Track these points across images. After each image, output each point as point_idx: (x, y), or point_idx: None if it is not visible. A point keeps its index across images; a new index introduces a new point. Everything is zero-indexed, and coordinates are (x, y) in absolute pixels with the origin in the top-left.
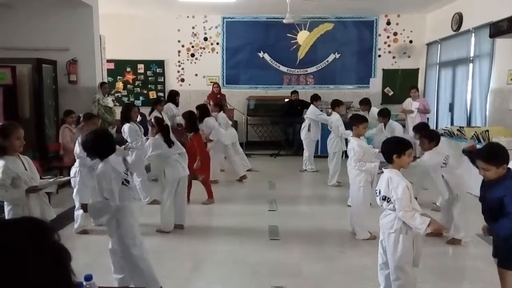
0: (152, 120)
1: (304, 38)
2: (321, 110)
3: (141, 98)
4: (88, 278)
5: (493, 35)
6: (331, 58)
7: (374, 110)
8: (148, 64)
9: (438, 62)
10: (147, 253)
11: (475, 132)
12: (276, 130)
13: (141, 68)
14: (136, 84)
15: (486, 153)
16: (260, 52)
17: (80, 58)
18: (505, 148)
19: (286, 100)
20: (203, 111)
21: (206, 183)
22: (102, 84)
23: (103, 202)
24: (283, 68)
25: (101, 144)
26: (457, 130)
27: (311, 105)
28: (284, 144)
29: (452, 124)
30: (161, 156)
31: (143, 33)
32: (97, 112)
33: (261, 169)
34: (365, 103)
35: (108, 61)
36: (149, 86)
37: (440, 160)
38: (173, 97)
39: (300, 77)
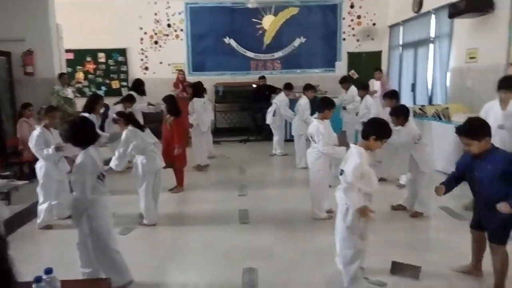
0: (114, 116)
1: (269, 23)
2: (288, 95)
3: (103, 88)
4: (48, 271)
5: (451, 16)
6: (297, 42)
7: (354, 89)
8: (109, 53)
9: (400, 43)
10: (117, 244)
11: (436, 110)
12: (245, 116)
13: (102, 57)
14: (97, 74)
15: (466, 128)
16: (226, 38)
17: (36, 49)
18: (485, 122)
19: (254, 85)
20: (197, 89)
21: (180, 170)
22: (61, 75)
23: (77, 198)
24: (250, 54)
25: (82, 131)
26: (419, 109)
27: (282, 92)
28: (254, 130)
29: (414, 103)
30: (137, 147)
31: (103, 21)
32: (57, 104)
33: (231, 155)
34: (345, 81)
35: (67, 51)
36: (111, 75)
37: (414, 137)
38: (138, 86)
39: (267, 63)
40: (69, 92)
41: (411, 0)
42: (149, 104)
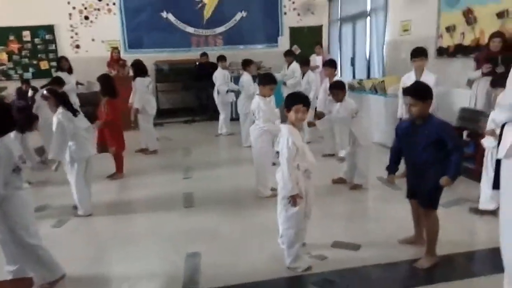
0: (44, 92)
1: None
2: (232, 72)
3: (31, 69)
4: None
5: None
6: (238, 16)
7: (295, 64)
8: (35, 30)
9: (339, 18)
10: (40, 240)
11: (373, 83)
12: (188, 96)
13: (26, 35)
14: (23, 54)
15: (413, 89)
16: (163, 12)
17: None
18: (429, 87)
19: (197, 63)
20: (138, 67)
21: (118, 155)
22: None
23: None
24: (190, 29)
25: (2, 118)
26: (357, 83)
27: (218, 68)
28: (198, 110)
29: (354, 77)
30: (67, 133)
31: None
32: None
33: (175, 137)
34: (289, 54)
35: None
36: (39, 55)
37: (352, 112)
38: (62, 64)
39: (208, 38)
40: None
41: None
42: (78, 83)
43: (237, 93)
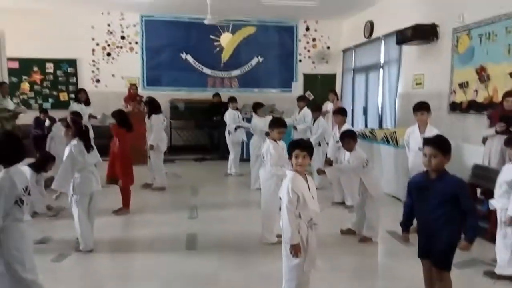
0: (69, 119)
1: (227, 40)
2: (245, 113)
3: (50, 100)
4: None
5: (399, 42)
6: (254, 61)
7: (307, 110)
8: (58, 63)
9: (353, 67)
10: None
11: (385, 133)
12: (201, 134)
13: (50, 67)
14: (44, 85)
15: (437, 140)
16: (182, 53)
17: None
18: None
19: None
20: (153, 105)
21: (126, 190)
22: (0, 84)
23: None
24: (207, 71)
25: (5, 148)
26: (369, 132)
27: (229, 108)
28: (210, 148)
29: (366, 126)
30: (75, 166)
31: (52, 30)
32: None
33: (185, 175)
34: (302, 100)
35: (11, 59)
36: (60, 87)
37: (363, 162)
38: (75, 95)
39: (224, 80)
40: (9, 103)
41: (362, 26)
42: (91, 116)
43: (249, 134)
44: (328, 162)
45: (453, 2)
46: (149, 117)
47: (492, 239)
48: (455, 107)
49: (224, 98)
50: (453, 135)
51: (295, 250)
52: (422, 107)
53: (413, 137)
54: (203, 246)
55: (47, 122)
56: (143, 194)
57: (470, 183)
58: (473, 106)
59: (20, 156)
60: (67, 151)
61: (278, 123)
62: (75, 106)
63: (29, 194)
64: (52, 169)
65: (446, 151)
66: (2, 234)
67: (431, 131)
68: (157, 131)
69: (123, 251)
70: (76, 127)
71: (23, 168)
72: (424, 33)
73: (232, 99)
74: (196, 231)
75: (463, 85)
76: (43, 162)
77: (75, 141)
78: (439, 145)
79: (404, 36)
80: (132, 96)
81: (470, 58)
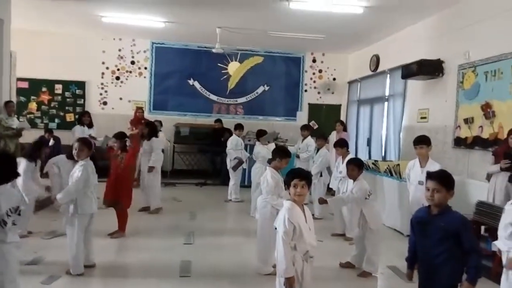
0: (89, 135)
1: (234, 69)
2: (249, 140)
3: (56, 120)
4: None
5: (404, 76)
6: (260, 90)
7: (310, 139)
8: (67, 84)
9: (358, 99)
10: None
11: (388, 165)
12: (203, 159)
13: (59, 88)
14: (52, 105)
15: (440, 175)
16: (190, 80)
17: None
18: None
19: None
20: (153, 128)
21: (124, 212)
22: (7, 103)
23: None
24: (213, 97)
25: None
26: (372, 163)
27: (233, 134)
28: (212, 173)
29: (369, 158)
30: (86, 185)
31: (63, 52)
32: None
33: (185, 199)
34: (306, 129)
35: (21, 79)
36: (67, 108)
37: (366, 193)
38: (79, 118)
39: (230, 107)
40: (14, 121)
41: (368, 59)
42: (91, 137)
43: (252, 161)
44: (330, 193)
45: (458, 39)
46: (149, 139)
47: (497, 279)
48: (459, 142)
49: (229, 125)
50: (457, 171)
51: (290, 283)
52: (421, 141)
53: (413, 170)
54: (197, 274)
55: (51, 142)
56: (139, 217)
57: (474, 220)
58: (478, 142)
59: (10, 176)
60: (79, 170)
61: (281, 153)
62: (77, 129)
63: (19, 214)
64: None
65: (450, 187)
66: None
67: (432, 165)
68: (158, 153)
69: (115, 276)
70: (90, 149)
71: (14, 190)
72: (429, 68)
73: (239, 126)
74: (191, 258)
75: (468, 121)
76: (36, 149)
77: (88, 161)
78: (442, 180)
79: (409, 71)
80: (138, 119)
81: (476, 94)
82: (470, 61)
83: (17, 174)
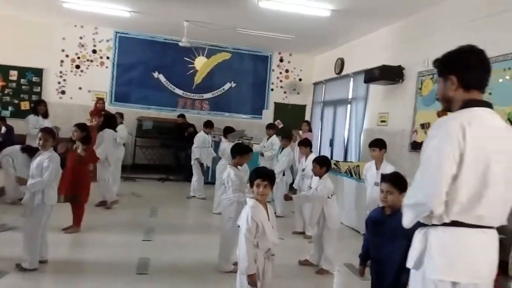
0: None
1: (201, 64)
2: (214, 137)
3: (10, 108)
4: None
5: (366, 81)
6: (227, 86)
7: (275, 138)
8: (23, 71)
9: (322, 100)
10: None
11: (348, 166)
12: (166, 153)
13: (14, 75)
14: (6, 92)
15: (393, 177)
16: (155, 72)
17: None
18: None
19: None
20: (110, 120)
21: (81, 207)
22: None
23: None
24: (179, 91)
25: None
26: (334, 164)
27: (202, 131)
28: (174, 169)
29: (331, 158)
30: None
31: (19, 38)
32: None
33: (145, 194)
34: (271, 128)
35: None
36: (22, 95)
37: (329, 191)
38: (34, 107)
39: (195, 102)
40: None
41: (333, 62)
42: (55, 127)
43: (217, 159)
44: (292, 192)
45: (419, 47)
46: (101, 130)
47: None
48: (416, 146)
49: (194, 120)
50: (413, 173)
51: (252, 280)
52: (373, 144)
53: (370, 172)
54: (155, 271)
55: (3, 129)
56: (96, 212)
57: None
58: None
59: None
60: (48, 160)
61: (242, 149)
62: (31, 118)
63: None
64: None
65: (402, 189)
66: None
67: (386, 167)
68: (106, 145)
69: (67, 272)
70: (53, 138)
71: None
72: (390, 74)
73: (209, 124)
74: (149, 255)
75: (425, 126)
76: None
77: (53, 152)
78: (395, 182)
79: (371, 75)
80: (98, 110)
81: (433, 101)
82: (429, 68)
83: None
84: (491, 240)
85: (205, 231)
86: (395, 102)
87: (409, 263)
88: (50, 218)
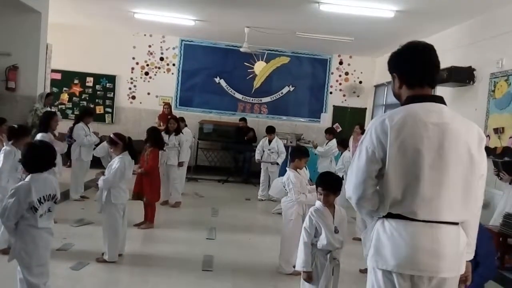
0: (112, 136)
1: (260, 68)
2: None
3: None
4: None
5: None
6: (285, 90)
7: (333, 142)
8: (98, 78)
9: (384, 103)
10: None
11: None
12: (226, 156)
13: (90, 81)
14: (83, 97)
15: None
16: (216, 78)
17: (21, 65)
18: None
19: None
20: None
21: (152, 205)
22: (48, 95)
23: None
24: (238, 96)
25: (34, 157)
26: None
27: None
28: (233, 171)
29: None
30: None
31: (95, 46)
32: (32, 123)
33: (207, 195)
34: (329, 132)
35: (55, 71)
36: (97, 100)
37: None
38: (82, 116)
39: (254, 106)
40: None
41: None
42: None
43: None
44: None
45: (491, 47)
46: (177, 134)
47: None
48: (489, 152)
49: (253, 124)
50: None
51: (306, 276)
52: None
53: None
54: (219, 269)
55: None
56: (161, 210)
57: (500, 233)
58: (508, 153)
59: (46, 166)
60: (117, 162)
61: (300, 153)
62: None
63: (55, 202)
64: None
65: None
66: (16, 237)
67: None
68: (186, 147)
69: (140, 265)
70: (123, 141)
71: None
72: (459, 76)
73: (271, 129)
74: (213, 253)
75: (499, 131)
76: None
77: (125, 154)
78: None
79: (439, 77)
80: (165, 114)
81: (507, 104)
82: (503, 69)
83: (53, 164)
84: (444, 235)
85: (265, 232)
86: (464, 105)
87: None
88: (127, 215)
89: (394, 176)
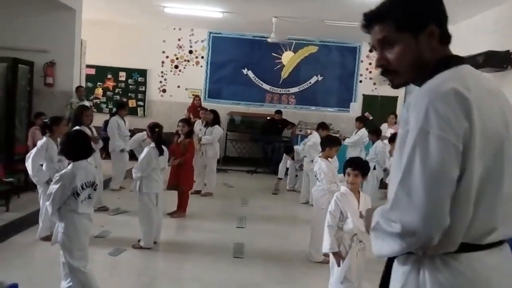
0: (147, 127)
1: (288, 58)
2: (300, 130)
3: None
4: (13, 287)
5: None
6: (313, 80)
7: (364, 131)
8: (130, 72)
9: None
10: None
11: None
12: (255, 147)
13: (122, 76)
14: (116, 91)
15: None
16: (244, 69)
17: (58, 61)
18: None
19: (268, 118)
20: (217, 116)
21: (185, 195)
22: (78, 87)
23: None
24: (266, 86)
25: (76, 145)
26: None
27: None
28: (262, 162)
29: None
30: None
31: (127, 41)
32: (69, 116)
33: (236, 185)
34: (360, 120)
35: (89, 66)
36: (130, 94)
37: None
38: (117, 110)
39: (282, 96)
40: (85, 104)
41: None
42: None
43: None
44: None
45: None
46: (212, 126)
47: None
48: None
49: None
50: None
51: (336, 257)
52: None
53: None
54: (249, 256)
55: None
56: (193, 200)
57: None
58: None
59: (87, 153)
60: (144, 152)
61: (332, 142)
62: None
63: (94, 189)
64: None
65: None
66: (61, 221)
67: None
68: (216, 140)
69: (174, 252)
70: (152, 134)
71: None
72: (497, 60)
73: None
74: (243, 241)
75: None
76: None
77: (152, 145)
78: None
79: (474, 62)
80: (195, 107)
81: None
82: None
83: (91, 152)
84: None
85: (294, 222)
86: (503, 91)
87: None
88: (160, 205)
89: (478, 183)
